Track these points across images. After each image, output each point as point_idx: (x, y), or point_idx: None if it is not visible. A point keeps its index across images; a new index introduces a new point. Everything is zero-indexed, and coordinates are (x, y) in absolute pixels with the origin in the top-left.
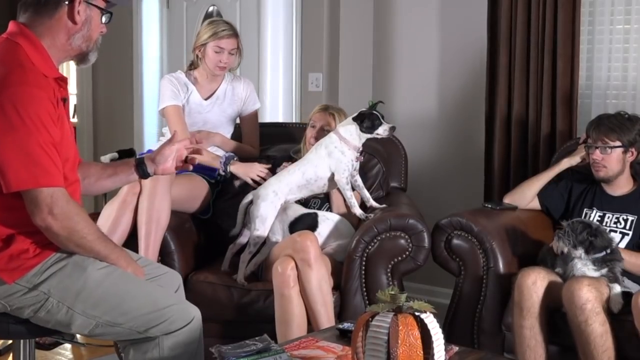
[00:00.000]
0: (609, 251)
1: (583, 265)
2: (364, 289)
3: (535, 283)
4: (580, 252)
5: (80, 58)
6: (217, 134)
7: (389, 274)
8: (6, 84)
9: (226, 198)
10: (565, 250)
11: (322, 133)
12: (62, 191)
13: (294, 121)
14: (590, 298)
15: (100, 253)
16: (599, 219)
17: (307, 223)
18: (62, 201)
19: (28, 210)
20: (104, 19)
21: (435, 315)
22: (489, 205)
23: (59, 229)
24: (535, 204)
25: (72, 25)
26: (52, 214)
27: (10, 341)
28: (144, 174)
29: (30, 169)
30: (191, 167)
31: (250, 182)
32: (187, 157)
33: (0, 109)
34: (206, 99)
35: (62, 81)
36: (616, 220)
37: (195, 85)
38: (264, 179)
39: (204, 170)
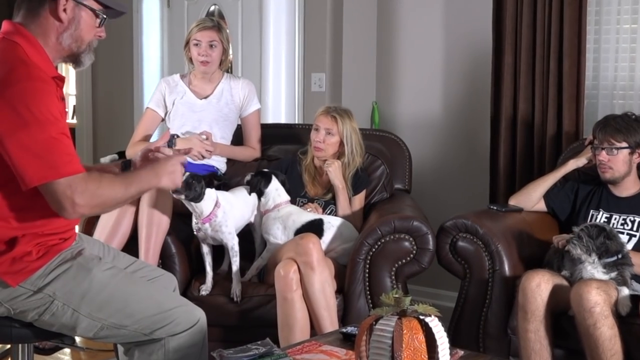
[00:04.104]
0: (620, 256)
1: (592, 268)
2: (368, 292)
3: (539, 286)
4: (594, 257)
5: (73, 59)
6: (217, 142)
7: (393, 277)
8: (12, 81)
9: None
10: (583, 257)
11: (326, 137)
12: (80, 177)
13: (296, 122)
14: (599, 301)
15: (141, 192)
16: (605, 220)
17: (312, 230)
18: (81, 186)
19: (53, 208)
20: (98, 22)
21: (440, 319)
22: (495, 207)
23: (91, 210)
24: (541, 206)
25: (58, 23)
26: (77, 205)
27: (9, 346)
28: None
29: (46, 162)
30: None
31: (194, 158)
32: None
33: (9, 106)
34: (202, 99)
35: (60, 80)
36: (623, 221)
37: (189, 87)
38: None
39: (205, 173)
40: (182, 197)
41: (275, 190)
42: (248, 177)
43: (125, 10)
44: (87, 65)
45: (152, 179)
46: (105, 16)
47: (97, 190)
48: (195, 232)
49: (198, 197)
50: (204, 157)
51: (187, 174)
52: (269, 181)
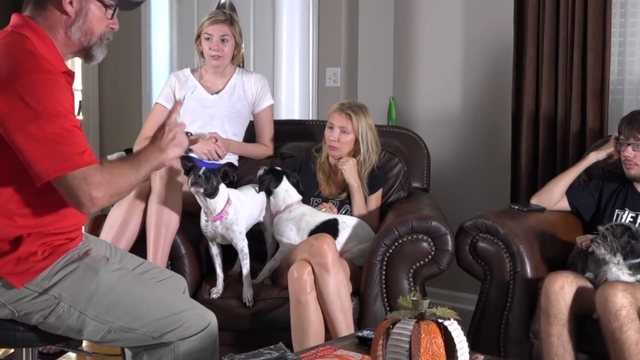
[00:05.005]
0: None
1: (618, 270)
2: (385, 295)
3: (562, 288)
4: (619, 258)
5: (84, 54)
6: (228, 139)
7: (411, 279)
8: (21, 73)
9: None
10: (608, 257)
11: (341, 135)
12: (93, 167)
13: (310, 118)
14: (625, 304)
15: (152, 170)
16: (631, 220)
17: (327, 231)
18: (96, 178)
19: (70, 203)
20: (109, 14)
21: (460, 323)
22: (516, 207)
23: (109, 200)
24: (564, 205)
25: (65, 17)
26: (94, 197)
27: (12, 350)
28: None
29: (60, 154)
30: None
31: (202, 156)
32: None
33: (19, 98)
34: (213, 94)
35: (70, 76)
36: None
37: (200, 81)
38: (219, 156)
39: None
40: (202, 190)
41: (286, 192)
42: (261, 172)
43: (140, 0)
44: (100, 59)
45: (159, 155)
46: (115, 6)
47: (112, 179)
48: (204, 231)
49: (214, 192)
50: (215, 159)
51: (204, 167)
52: (279, 181)
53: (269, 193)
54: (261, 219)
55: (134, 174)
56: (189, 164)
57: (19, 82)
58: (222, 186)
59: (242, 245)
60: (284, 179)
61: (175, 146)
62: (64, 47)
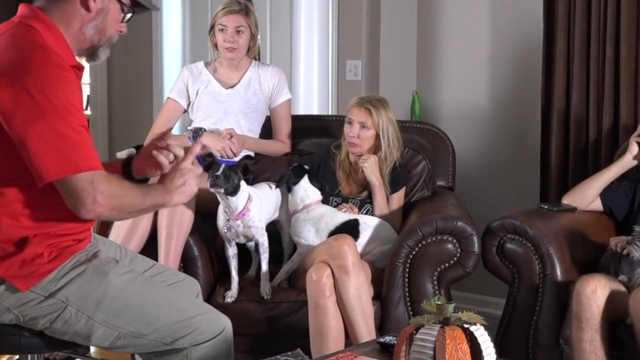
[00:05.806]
0: None
1: None
2: (408, 299)
3: (595, 292)
4: None
5: (90, 52)
6: (244, 136)
7: (435, 282)
8: (29, 67)
9: None
10: None
11: (361, 131)
12: (101, 174)
13: (330, 113)
14: None
15: (155, 206)
16: None
17: (347, 232)
18: (103, 184)
19: (69, 205)
20: (125, 18)
21: (486, 328)
22: (546, 206)
23: (109, 212)
24: (597, 205)
25: (85, 12)
26: (97, 202)
27: (17, 357)
28: (129, 177)
29: (65, 155)
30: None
31: (216, 153)
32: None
33: (26, 93)
34: (228, 89)
35: (79, 69)
36: None
37: (214, 75)
38: (233, 154)
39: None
40: (222, 191)
41: (304, 191)
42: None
43: (153, 8)
44: (103, 60)
45: (165, 195)
46: (132, 12)
47: (119, 191)
48: (224, 231)
49: (236, 190)
50: (230, 156)
51: (223, 165)
52: (298, 178)
53: (288, 189)
54: (275, 216)
55: (140, 198)
56: (209, 159)
57: (26, 76)
58: (243, 183)
59: (263, 239)
60: (305, 178)
61: (183, 193)
62: (74, 41)
